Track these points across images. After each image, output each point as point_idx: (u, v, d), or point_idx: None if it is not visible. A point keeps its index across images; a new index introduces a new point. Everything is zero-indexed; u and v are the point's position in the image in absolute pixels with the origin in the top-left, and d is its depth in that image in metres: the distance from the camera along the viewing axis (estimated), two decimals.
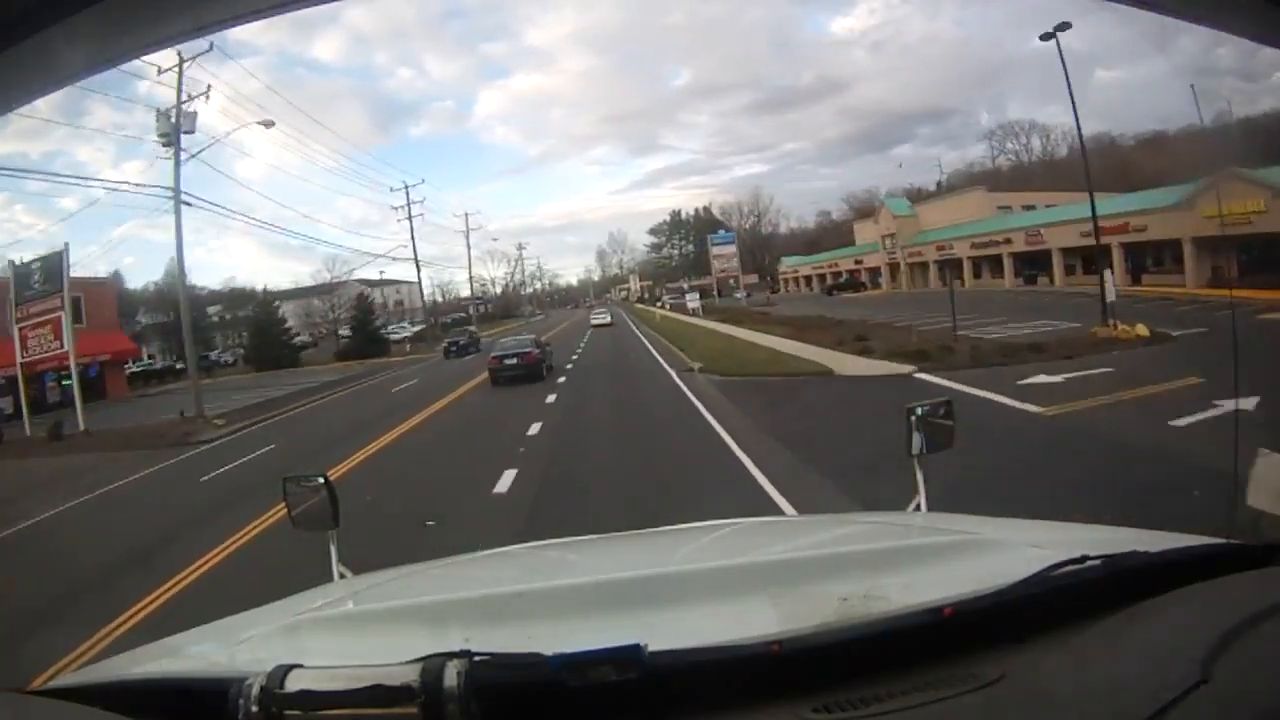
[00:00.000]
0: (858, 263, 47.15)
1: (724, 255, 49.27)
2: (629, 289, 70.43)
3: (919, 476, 2.12)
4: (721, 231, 51.42)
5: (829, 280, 48.96)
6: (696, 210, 67.88)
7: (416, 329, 51.86)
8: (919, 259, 41.27)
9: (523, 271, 68.13)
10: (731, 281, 49.62)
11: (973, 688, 1.00)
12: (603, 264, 74.62)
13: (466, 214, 51.74)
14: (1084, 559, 1.18)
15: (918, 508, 2.10)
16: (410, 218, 44.49)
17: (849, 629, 1.09)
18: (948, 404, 2.21)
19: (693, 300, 43.14)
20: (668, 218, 69.87)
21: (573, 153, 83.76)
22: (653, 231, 70.93)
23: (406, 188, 44.87)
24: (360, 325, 45.30)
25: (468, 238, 51.55)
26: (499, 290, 68.56)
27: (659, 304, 58.38)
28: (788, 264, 55.11)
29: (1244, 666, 0.90)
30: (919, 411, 2.12)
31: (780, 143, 78.92)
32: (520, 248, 69.30)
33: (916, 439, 2.10)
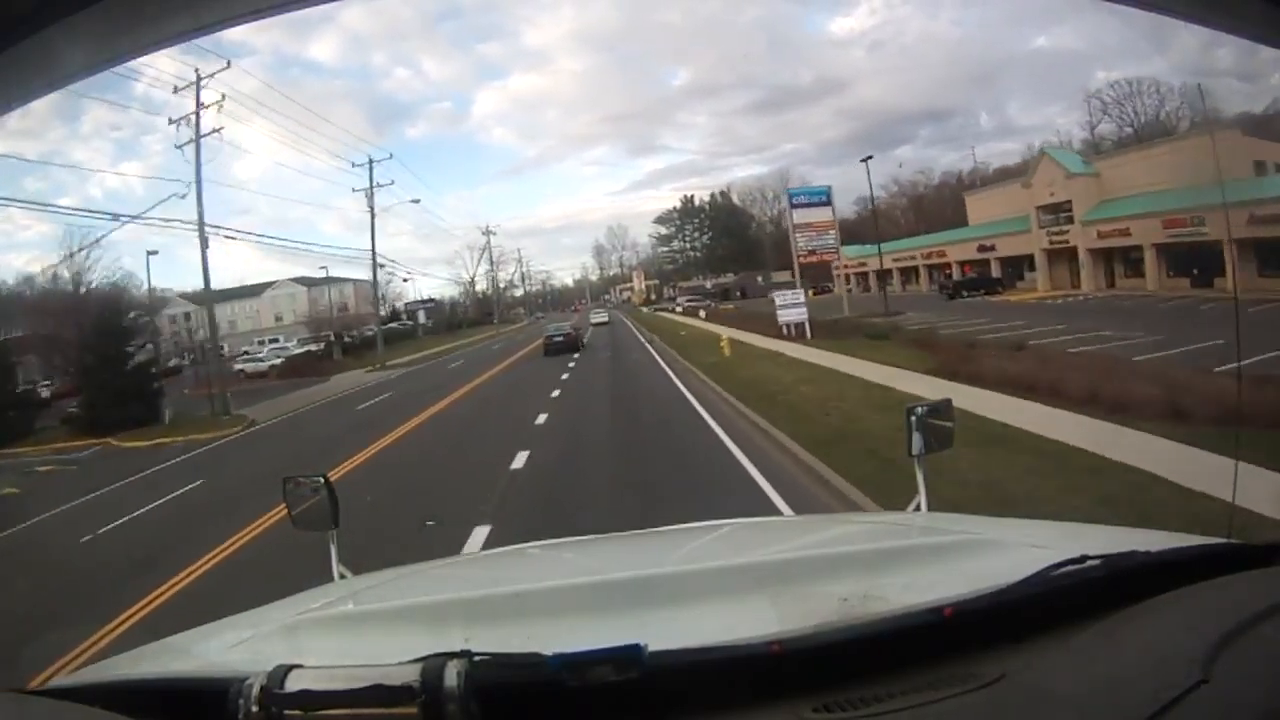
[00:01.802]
0: (983, 249, 31.19)
1: (814, 226, 29.69)
2: (632, 288, 59.82)
3: (919, 476, 2.12)
4: (810, 185, 31.02)
5: (928, 275, 32.86)
6: (713, 195, 56.61)
7: (306, 348, 36.79)
8: (1121, 241, 25.26)
9: (492, 264, 54.44)
10: (814, 269, 31.92)
11: (973, 688, 1.00)
12: (601, 261, 64.26)
13: (370, 160, 34.87)
14: (1084, 559, 1.18)
15: (918, 508, 2.10)
16: (199, 139, 24.69)
17: (849, 629, 1.09)
18: (947, 404, 2.21)
19: (792, 306, 24.32)
20: (678, 204, 57.64)
21: (570, 153, 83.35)
22: (660, 221, 58.48)
23: (197, 86, 24.80)
24: (105, 361, 23.08)
25: (371, 202, 34.32)
26: (478, 290, 56.06)
27: (675, 306, 45.97)
28: (849, 255, 37.86)
29: (1244, 666, 0.90)
30: (919, 412, 2.12)
31: (779, 143, 78.39)
32: (488, 232, 53.43)
33: (916, 439, 2.10)
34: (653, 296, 55.83)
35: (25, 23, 1.07)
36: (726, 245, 52.78)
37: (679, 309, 45.60)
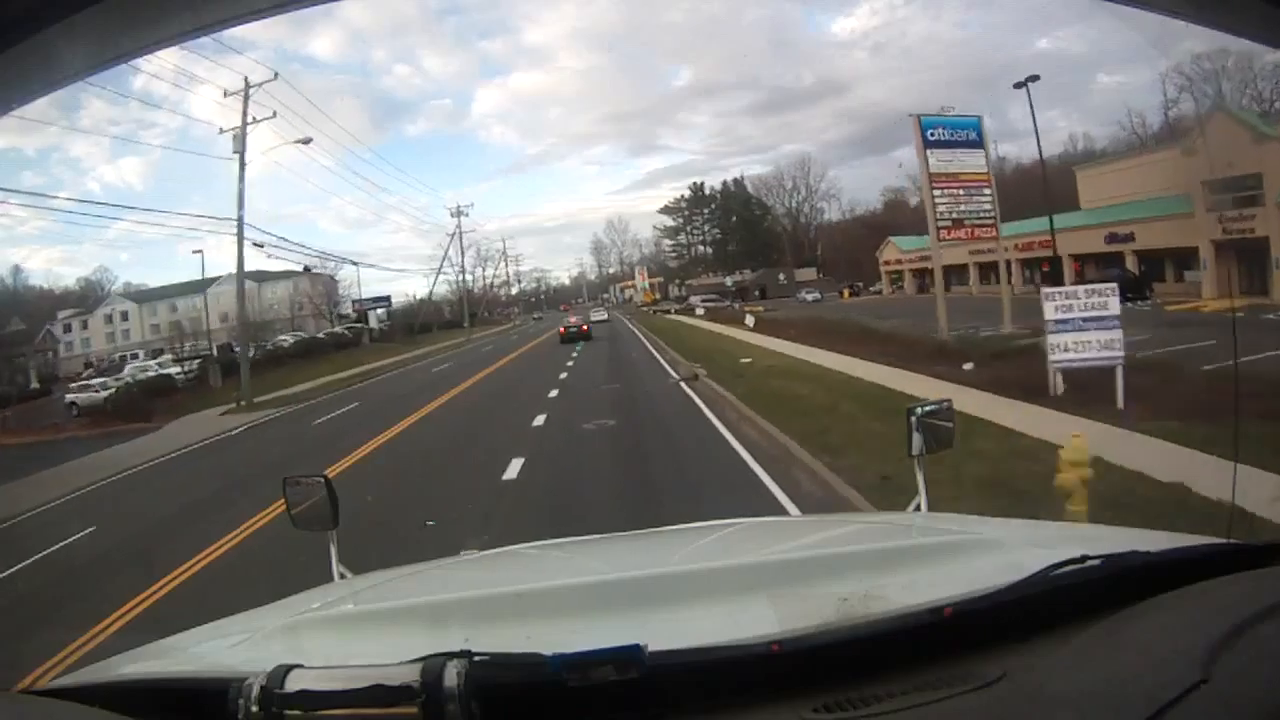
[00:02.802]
0: (1114, 239, 22.69)
1: (961, 179, 18.25)
2: (634, 286, 52.30)
3: (919, 476, 2.12)
4: (950, 113, 19.04)
5: (1018, 271, 23.26)
6: (725, 183, 49.87)
7: (168, 370, 28.20)
8: None
9: (462, 251, 46.13)
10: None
11: (973, 688, 1.00)
12: (599, 258, 59.32)
13: (246, 84, 25.44)
14: (1084, 559, 1.18)
15: (918, 508, 2.10)
16: None
17: (849, 629, 1.09)
18: (948, 404, 2.21)
19: (1089, 324, 9.69)
20: (687, 191, 50.64)
21: (571, 152, 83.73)
22: (667, 210, 51.78)
23: None
24: None
25: (241, 145, 24.58)
26: (461, 286, 48.55)
27: (696, 308, 37.73)
28: (905, 249, 30.50)
29: (1244, 666, 0.90)
30: (919, 411, 2.12)
31: (780, 144, 78.49)
32: (458, 213, 44.99)
33: (916, 439, 2.10)
34: (657, 296, 48.54)
35: (25, 23, 1.07)
36: (741, 239, 46.70)
37: (700, 311, 37.25)
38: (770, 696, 1.03)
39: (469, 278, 50.47)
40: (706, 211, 50.73)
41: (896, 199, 42.14)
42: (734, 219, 48.36)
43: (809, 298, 36.83)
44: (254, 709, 0.94)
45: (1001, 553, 1.50)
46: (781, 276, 41.68)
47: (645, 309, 45.35)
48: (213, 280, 36.66)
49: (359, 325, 38.95)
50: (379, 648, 1.28)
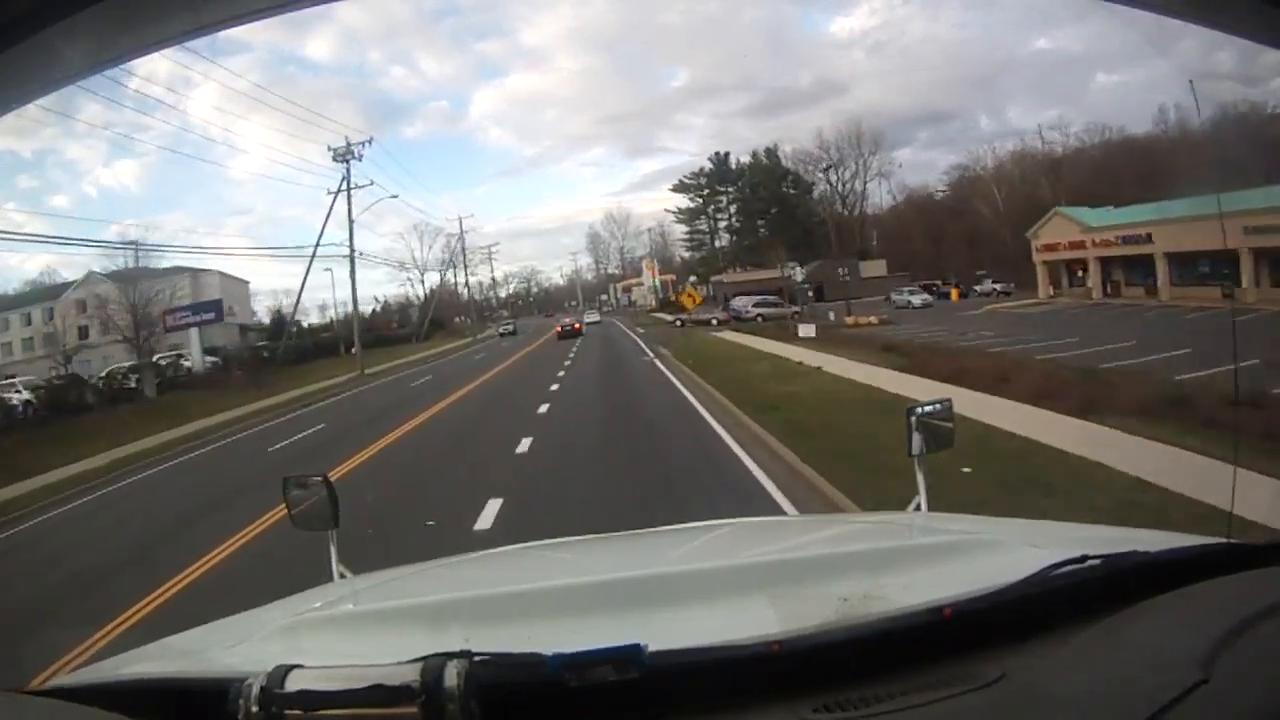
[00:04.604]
0: None
1: None
2: (640, 284, 41.66)
3: (919, 476, 2.12)
4: None
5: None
6: (754, 154, 37.35)
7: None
8: None
9: (350, 227, 33.88)
10: None
11: (973, 688, 1.00)
12: (597, 254, 49.32)
13: None
14: (1084, 559, 1.18)
15: (918, 508, 2.10)
16: None
17: (849, 629, 1.09)
18: (948, 403, 2.21)
19: None
20: (707, 164, 37.70)
21: (568, 155, 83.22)
22: (682, 187, 38.15)
23: None
24: None
25: None
26: (427, 289, 39.30)
27: (795, 324, 23.18)
28: (1093, 224, 19.71)
29: (1244, 666, 0.90)
30: (919, 411, 2.12)
31: (778, 145, 78.14)
32: (348, 153, 33.04)
33: (916, 439, 2.10)
34: (673, 298, 34.47)
35: (25, 23, 1.07)
36: (777, 224, 35.10)
37: (806, 333, 21.41)
38: (770, 697, 1.03)
39: (439, 277, 39.51)
40: (733, 190, 38.12)
41: (966, 176, 33.16)
42: (754, 205, 36.94)
43: (915, 301, 26.26)
44: (254, 709, 0.94)
45: (1001, 553, 1.50)
46: (843, 271, 30.80)
47: (676, 323, 30.02)
48: (66, 284, 28.61)
49: (171, 355, 27.02)
50: (379, 648, 1.28)
